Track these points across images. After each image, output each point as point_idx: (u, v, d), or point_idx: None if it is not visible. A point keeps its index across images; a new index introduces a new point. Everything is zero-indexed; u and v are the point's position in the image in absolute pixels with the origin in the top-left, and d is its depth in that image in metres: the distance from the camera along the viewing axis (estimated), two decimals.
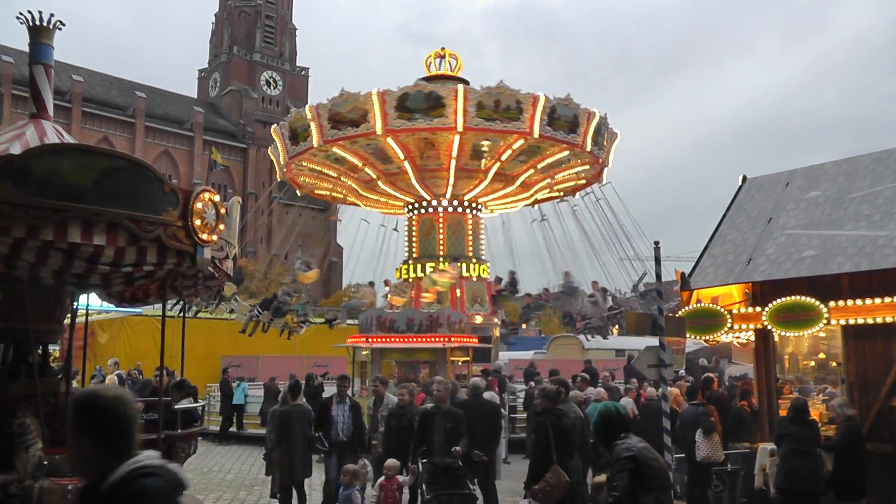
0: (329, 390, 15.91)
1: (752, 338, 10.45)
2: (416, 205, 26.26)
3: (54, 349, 14.80)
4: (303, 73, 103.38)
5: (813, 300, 9.11)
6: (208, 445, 18.70)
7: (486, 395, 10.89)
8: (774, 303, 9.47)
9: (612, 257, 27.61)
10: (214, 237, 6.38)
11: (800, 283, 9.63)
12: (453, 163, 23.18)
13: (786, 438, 8.32)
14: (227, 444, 19.36)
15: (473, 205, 26.21)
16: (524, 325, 26.86)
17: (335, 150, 23.42)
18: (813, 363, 13.11)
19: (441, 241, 25.55)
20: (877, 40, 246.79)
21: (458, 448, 8.48)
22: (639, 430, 7.15)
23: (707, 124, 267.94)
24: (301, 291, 25.33)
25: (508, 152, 22.86)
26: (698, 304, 10.63)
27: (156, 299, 8.77)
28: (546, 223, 28.78)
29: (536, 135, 21.53)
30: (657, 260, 9.57)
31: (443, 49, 27.07)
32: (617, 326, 24.12)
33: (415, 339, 18.28)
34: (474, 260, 25.98)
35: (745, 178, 13.48)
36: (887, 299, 8.66)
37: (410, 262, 26.27)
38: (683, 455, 10.19)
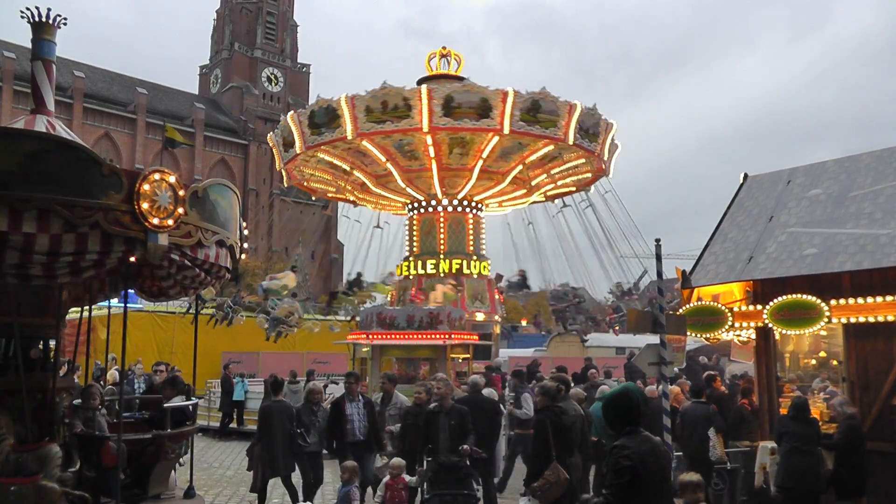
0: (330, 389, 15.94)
1: (753, 336, 10.44)
2: (416, 204, 26.30)
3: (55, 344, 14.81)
4: (304, 69, 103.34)
5: (814, 298, 9.10)
6: (209, 441, 18.74)
7: (485, 391, 10.88)
8: (775, 301, 9.45)
9: (613, 255, 27.64)
10: (170, 221, 5.93)
11: (801, 282, 9.62)
12: (434, 163, 23.28)
13: (786, 437, 8.32)
14: (228, 440, 19.39)
15: (473, 204, 26.23)
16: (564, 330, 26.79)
17: (320, 154, 23.68)
18: (814, 362, 13.10)
19: (442, 240, 25.58)
20: (879, 38, 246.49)
21: (465, 447, 8.44)
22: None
23: (708, 122, 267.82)
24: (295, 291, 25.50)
25: (488, 149, 22.87)
26: (699, 302, 10.62)
27: (178, 295, 8.84)
28: (549, 222, 28.87)
29: (507, 131, 21.49)
30: (658, 257, 9.56)
31: (444, 48, 27.07)
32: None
33: (415, 336, 18.26)
34: (475, 257, 25.99)
35: (746, 176, 13.46)
36: (888, 298, 8.64)
37: (411, 258, 26.29)
38: (681, 453, 10.17)
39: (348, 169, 24.58)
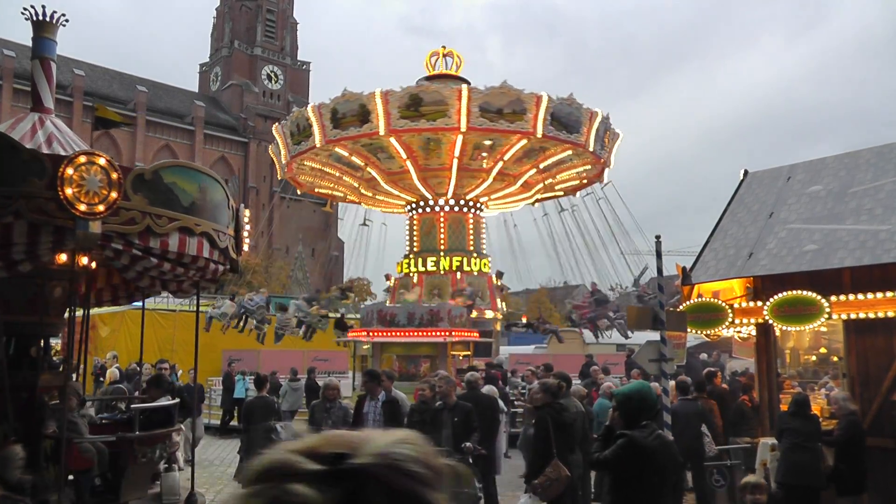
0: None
1: (754, 332, 10.44)
2: (417, 204, 26.31)
3: (55, 342, 14.82)
4: (304, 67, 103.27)
5: (814, 295, 9.09)
6: (209, 439, 18.74)
7: (485, 388, 10.87)
8: (776, 297, 9.44)
9: (613, 253, 27.70)
10: (102, 207, 5.51)
11: (801, 278, 9.61)
12: (455, 162, 23.25)
13: (787, 433, 8.32)
14: (228, 437, 19.39)
15: (474, 204, 26.26)
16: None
17: (337, 149, 23.53)
18: (814, 358, 13.11)
19: (442, 239, 25.61)
20: (881, 34, 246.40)
21: (468, 444, 8.43)
22: None
23: (709, 118, 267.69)
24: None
25: (511, 152, 22.93)
26: (699, 299, 10.61)
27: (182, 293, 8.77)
28: (549, 220, 28.91)
29: (540, 135, 21.57)
30: (658, 254, 9.57)
31: (444, 48, 27.06)
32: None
33: (415, 334, 18.27)
34: (475, 254, 26.01)
35: (746, 173, 13.45)
36: (889, 294, 8.63)
37: (411, 256, 26.30)
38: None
39: (362, 164, 24.49)
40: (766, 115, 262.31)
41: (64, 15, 6.94)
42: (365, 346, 19.90)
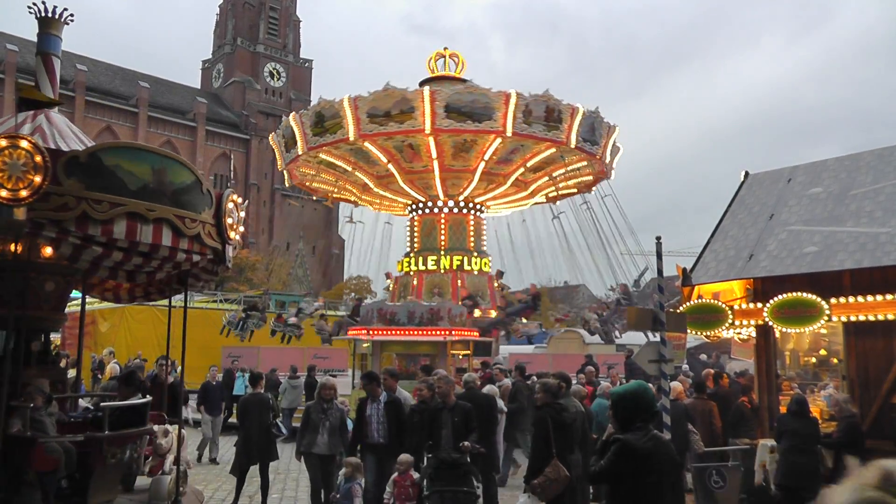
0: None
1: (753, 334, 10.45)
2: (417, 206, 26.36)
3: (56, 337, 14.84)
4: (306, 65, 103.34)
5: (814, 297, 9.10)
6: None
7: (486, 388, 10.89)
8: (776, 299, 9.46)
9: (612, 254, 27.69)
10: (25, 192, 5.26)
11: (801, 280, 9.62)
12: (436, 164, 23.32)
13: (786, 435, 8.34)
14: (228, 434, 19.39)
15: (474, 206, 26.30)
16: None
17: (322, 155, 23.74)
18: (814, 360, 13.12)
19: (442, 239, 25.66)
20: (883, 34, 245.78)
21: (466, 443, 8.39)
22: None
23: (711, 118, 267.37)
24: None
25: (490, 150, 22.92)
26: (700, 300, 10.62)
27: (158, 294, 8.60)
28: (553, 221, 28.92)
29: (510, 133, 21.53)
30: (659, 255, 9.57)
31: (445, 49, 27.06)
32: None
33: (415, 332, 18.28)
34: (475, 253, 26.03)
35: (747, 174, 13.46)
36: (888, 296, 8.64)
37: (412, 254, 26.33)
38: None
39: (350, 170, 24.65)
40: (766, 115, 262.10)
41: (70, 13, 6.94)
42: (365, 345, 19.90)
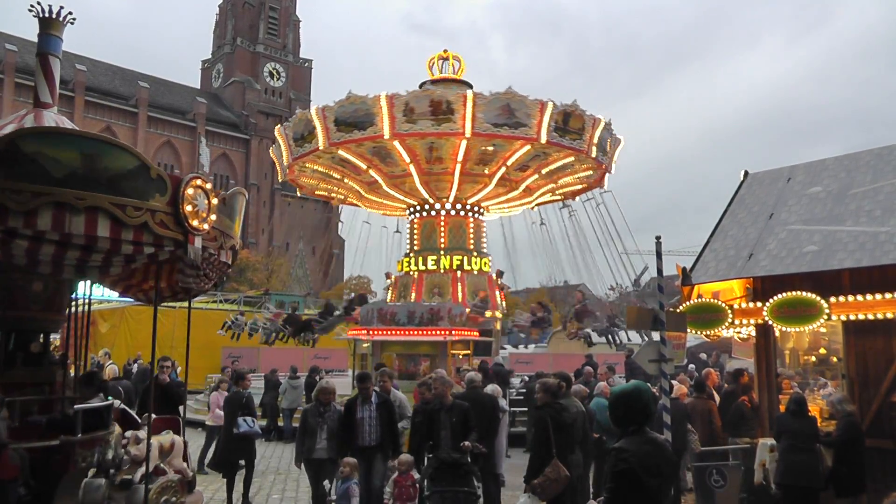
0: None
1: (753, 333, 10.46)
2: (417, 208, 26.37)
3: (55, 338, 14.79)
4: (306, 64, 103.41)
5: (814, 296, 9.10)
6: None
7: (489, 388, 10.88)
8: (775, 298, 9.46)
9: (611, 254, 27.79)
10: None
11: (801, 279, 9.63)
12: (458, 167, 23.27)
13: (785, 434, 8.35)
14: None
15: (473, 208, 26.32)
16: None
17: (340, 152, 23.54)
18: (814, 359, 13.13)
19: (442, 240, 25.70)
20: (883, 34, 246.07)
21: (466, 443, 8.37)
22: None
23: (711, 118, 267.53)
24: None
25: (514, 157, 22.95)
26: (699, 299, 10.63)
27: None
28: (549, 222, 28.99)
29: (544, 141, 21.59)
30: (658, 255, 9.58)
31: (445, 51, 27.08)
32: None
33: (415, 333, 18.30)
34: (475, 253, 26.05)
35: (746, 174, 13.47)
36: (888, 295, 8.65)
37: (412, 254, 26.34)
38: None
39: (364, 167, 24.53)
40: (767, 115, 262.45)
41: (72, 14, 6.93)
42: (365, 345, 19.91)
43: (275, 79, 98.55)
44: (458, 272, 25.30)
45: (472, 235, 26.20)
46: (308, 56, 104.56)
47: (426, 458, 8.83)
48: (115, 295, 9.56)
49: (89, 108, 78.14)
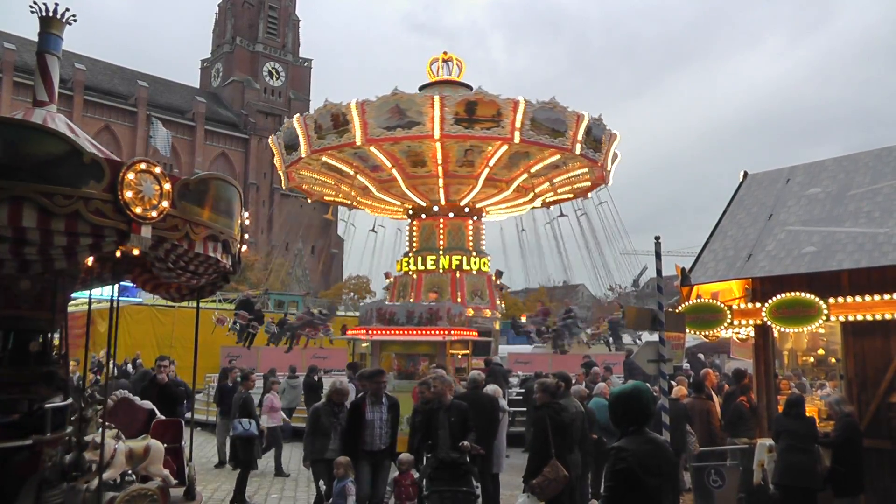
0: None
1: (752, 333, 10.47)
2: (416, 210, 26.43)
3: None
4: (305, 64, 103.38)
5: (812, 296, 9.11)
6: (207, 436, 18.73)
7: (489, 388, 10.87)
8: (774, 299, 9.47)
9: (610, 255, 27.85)
10: None
11: (799, 280, 9.64)
12: (441, 169, 23.40)
13: (783, 434, 8.36)
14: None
15: (473, 210, 26.38)
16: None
17: (325, 158, 23.77)
18: (812, 359, 13.14)
19: (441, 241, 25.74)
20: (884, 34, 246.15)
21: (465, 443, 8.31)
22: None
23: (711, 117, 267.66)
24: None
25: (496, 157, 23.00)
26: (698, 300, 10.63)
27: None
28: (548, 223, 29.08)
29: (518, 140, 21.60)
30: (657, 255, 9.58)
31: (445, 53, 27.12)
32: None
33: (415, 332, 18.28)
34: (474, 253, 26.07)
35: (745, 174, 13.48)
36: (886, 296, 8.66)
37: (411, 254, 26.36)
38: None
39: (352, 173, 24.66)
40: (768, 115, 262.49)
41: (73, 13, 6.91)
42: (364, 344, 19.91)
43: (274, 78, 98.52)
44: (457, 272, 25.32)
45: (471, 236, 26.23)
46: (307, 56, 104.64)
47: (425, 458, 8.82)
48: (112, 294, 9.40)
49: (88, 108, 78.12)
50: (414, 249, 26.54)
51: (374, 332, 18.59)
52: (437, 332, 18.02)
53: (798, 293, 9.25)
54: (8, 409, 6.58)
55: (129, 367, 22.95)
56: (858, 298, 8.94)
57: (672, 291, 12.81)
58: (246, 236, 7.44)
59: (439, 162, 22.98)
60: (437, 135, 21.19)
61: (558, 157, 23.57)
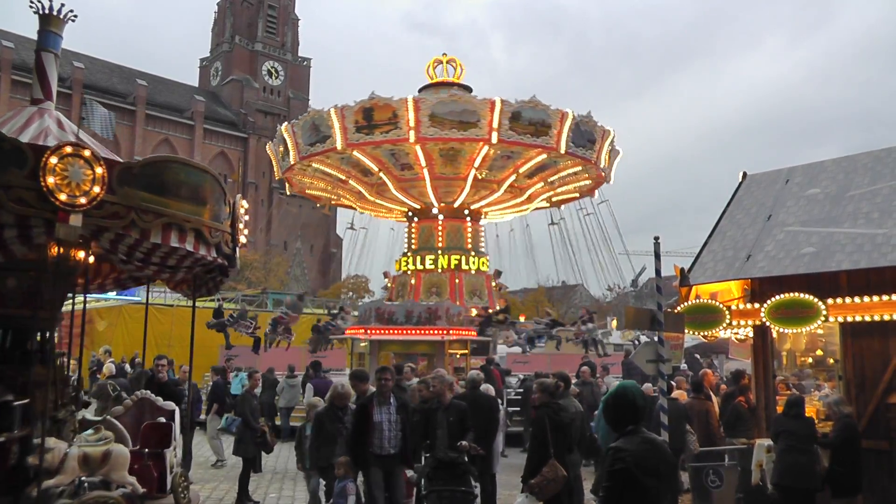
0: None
1: (751, 334, 10.47)
2: (415, 213, 26.46)
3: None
4: (305, 63, 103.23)
5: (811, 297, 9.11)
6: (206, 436, 18.72)
7: (483, 387, 10.88)
8: (773, 299, 9.47)
9: (608, 256, 27.90)
10: None
11: (798, 280, 9.64)
12: (426, 172, 23.52)
13: (782, 435, 8.36)
14: (224, 433, 19.36)
15: (472, 213, 26.41)
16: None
17: (315, 164, 23.79)
18: (810, 360, 13.15)
19: (440, 240, 25.77)
20: (885, 34, 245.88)
21: (463, 443, 8.29)
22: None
23: (711, 118, 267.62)
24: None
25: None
26: (697, 300, 10.63)
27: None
28: (552, 226, 29.16)
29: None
30: (657, 255, 9.58)
31: (444, 55, 27.14)
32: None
33: (413, 332, 18.31)
34: (473, 253, 26.08)
35: (745, 175, 13.49)
36: (885, 297, 8.67)
37: (410, 254, 26.37)
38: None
39: (344, 178, 24.71)
40: (768, 115, 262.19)
41: (73, 12, 6.88)
42: (362, 344, 19.92)
43: (273, 77, 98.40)
44: (456, 272, 25.33)
45: (469, 236, 26.25)
46: (307, 55, 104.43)
47: (423, 458, 8.81)
48: (112, 293, 9.42)
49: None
50: (413, 249, 26.54)
51: (373, 331, 18.61)
52: (436, 332, 18.04)
53: (797, 294, 9.25)
54: None
55: (128, 366, 22.90)
56: (857, 299, 8.95)
57: (671, 292, 12.81)
58: (241, 226, 7.00)
59: (423, 164, 23.01)
60: (412, 138, 21.28)
61: (545, 156, 23.46)
